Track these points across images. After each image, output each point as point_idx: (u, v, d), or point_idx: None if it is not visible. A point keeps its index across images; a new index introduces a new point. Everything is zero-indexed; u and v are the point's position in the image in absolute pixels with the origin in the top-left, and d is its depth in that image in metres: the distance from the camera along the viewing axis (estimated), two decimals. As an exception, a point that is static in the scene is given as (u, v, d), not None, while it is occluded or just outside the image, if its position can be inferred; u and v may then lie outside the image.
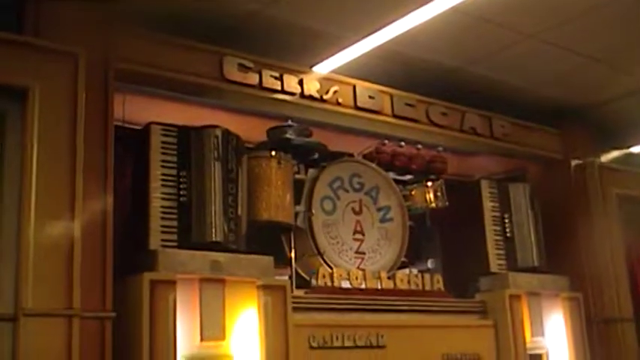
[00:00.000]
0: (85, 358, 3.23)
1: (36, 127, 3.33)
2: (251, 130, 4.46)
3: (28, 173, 3.28)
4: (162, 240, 3.73)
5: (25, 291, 3.15)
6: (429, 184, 5.00)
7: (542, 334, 5.03)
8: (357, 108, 4.64)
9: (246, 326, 3.74)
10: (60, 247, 3.29)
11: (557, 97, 5.50)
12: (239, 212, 3.99)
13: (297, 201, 4.39)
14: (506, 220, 5.28)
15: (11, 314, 3.14)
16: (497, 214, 5.27)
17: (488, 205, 5.26)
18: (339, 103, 4.54)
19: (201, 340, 3.58)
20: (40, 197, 3.27)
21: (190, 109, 4.39)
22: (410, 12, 4.13)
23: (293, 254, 4.29)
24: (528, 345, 4.88)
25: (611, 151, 6.21)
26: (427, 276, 4.65)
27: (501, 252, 5.19)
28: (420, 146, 5.02)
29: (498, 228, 5.24)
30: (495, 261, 5.13)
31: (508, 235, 5.25)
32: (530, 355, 4.90)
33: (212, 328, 3.62)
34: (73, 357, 3.17)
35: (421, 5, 4.06)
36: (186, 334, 3.55)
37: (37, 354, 3.11)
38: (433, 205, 4.98)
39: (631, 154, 6.40)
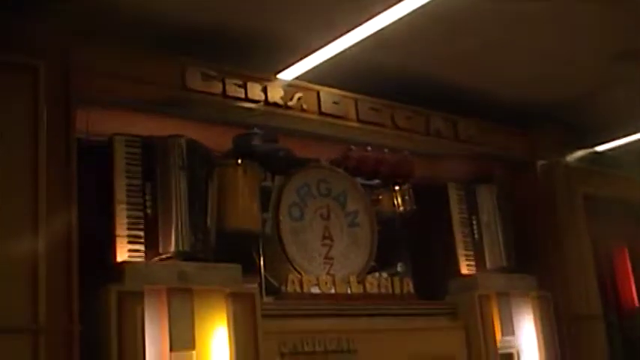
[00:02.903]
0: (53, 374, 3.22)
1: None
2: (218, 139, 4.44)
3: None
4: (129, 251, 3.72)
5: (-11, 307, 3.14)
6: (397, 188, 5.02)
7: (513, 333, 5.04)
8: (321, 114, 4.67)
9: (216, 335, 3.72)
10: (24, 262, 3.28)
11: (523, 99, 5.55)
12: (208, 222, 3.99)
13: (264, 208, 4.39)
14: (474, 222, 5.33)
15: (-24, 331, 3.12)
16: (465, 216, 5.32)
17: (456, 207, 5.30)
18: (303, 110, 4.56)
19: (171, 350, 3.55)
20: (3, 212, 3.26)
21: (155, 120, 4.36)
22: (375, 16, 4.11)
23: (262, 262, 4.28)
24: (499, 344, 4.90)
25: (577, 151, 6.26)
26: (397, 280, 4.66)
27: (470, 253, 5.23)
28: (386, 150, 5.03)
29: (466, 230, 5.29)
30: (464, 262, 5.17)
31: (476, 236, 5.29)
32: (502, 355, 4.92)
33: (181, 338, 3.59)
34: (40, 373, 3.17)
35: (386, 8, 4.05)
36: (155, 345, 3.52)
37: (3, 370, 3.10)
38: (401, 209, 5.00)
39: (597, 153, 6.46)
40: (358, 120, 4.85)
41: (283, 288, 4.25)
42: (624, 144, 6.33)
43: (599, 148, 6.46)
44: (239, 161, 4.27)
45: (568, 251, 5.61)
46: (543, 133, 5.90)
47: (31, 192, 3.37)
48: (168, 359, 3.55)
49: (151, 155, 3.91)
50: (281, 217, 4.45)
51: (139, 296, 3.49)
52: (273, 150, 4.50)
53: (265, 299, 4.09)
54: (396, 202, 5.00)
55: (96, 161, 3.93)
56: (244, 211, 4.21)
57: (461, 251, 5.19)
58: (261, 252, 4.30)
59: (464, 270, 5.16)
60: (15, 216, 3.32)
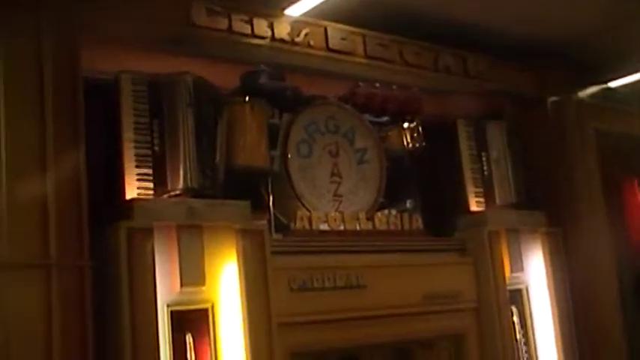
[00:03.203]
0: (65, 307, 3.26)
1: (2, 82, 3.31)
2: (224, 77, 4.41)
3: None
4: (138, 188, 3.73)
5: (1, 244, 3.16)
6: (405, 125, 5.00)
7: (522, 270, 5.07)
8: (329, 50, 4.62)
9: (225, 271, 3.76)
10: (34, 199, 3.31)
11: (534, 35, 5.45)
12: (216, 159, 3.99)
13: (272, 146, 4.38)
14: (484, 159, 5.31)
15: (-12, 266, 3.16)
16: (475, 152, 5.30)
17: (465, 144, 5.28)
18: (310, 46, 4.51)
19: (181, 286, 3.58)
20: (12, 152, 3.27)
21: (162, 58, 4.33)
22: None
23: (271, 199, 4.29)
24: (508, 281, 4.93)
25: (588, 87, 6.19)
26: (406, 216, 4.66)
27: (479, 190, 5.22)
28: (394, 87, 4.99)
29: (476, 167, 5.27)
30: (474, 199, 5.17)
31: (486, 173, 5.27)
32: (510, 291, 4.96)
33: (191, 274, 3.62)
34: (53, 307, 3.21)
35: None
36: (166, 282, 3.55)
37: (17, 304, 3.13)
38: (410, 145, 4.98)
39: (609, 90, 6.39)
40: (366, 56, 4.81)
41: (292, 225, 4.27)
42: (636, 80, 6.25)
43: (611, 85, 6.38)
44: (246, 98, 4.25)
45: (578, 187, 5.59)
46: (554, 69, 5.83)
47: (39, 131, 3.38)
48: (178, 295, 3.59)
49: (157, 93, 3.89)
50: (289, 155, 4.44)
51: (148, 233, 3.51)
52: (280, 87, 4.47)
53: (274, 236, 4.11)
54: (404, 139, 4.98)
55: (103, 100, 3.92)
56: (252, 148, 4.20)
57: (470, 188, 5.19)
58: (269, 189, 4.31)
59: (473, 206, 5.16)
60: (24, 155, 3.33)
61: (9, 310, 3.11)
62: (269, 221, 4.16)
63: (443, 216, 5.04)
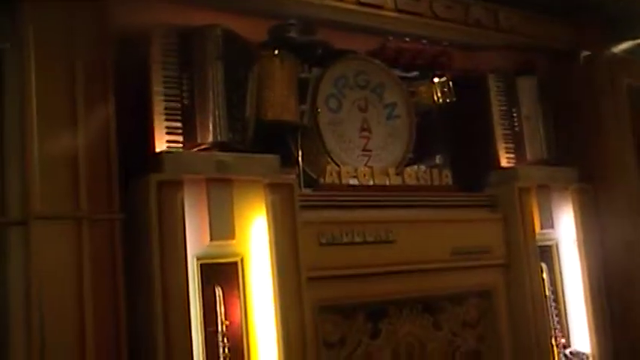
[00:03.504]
0: (96, 259, 3.29)
1: (32, 37, 3.31)
2: (254, 31, 4.37)
3: (28, 81, 3.29)
4: (168, 142, 3.73)
5: (33, 196, 3.21)
6: (435, 80, 4.94)
7: (552, 226, 5.04)
8: (359, 3, 4.57)
9: (254, 225, 3.76)
10: (65, 153, 3.34)
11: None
12: (246, 113, 3.97)
13: (302, 100, 4.35)
14: (515, 114, 5.23)
15: (22, 218, 3.19)
16: (505, 108, 5.21)
17: (496, 99, 5.19)
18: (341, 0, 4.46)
19: (211, 239, 3.59)
20: (42, 107, 3.29)
21: (192, 12, 4.30)
22: None
23: (300, 153, 4.27)
24: (538, 237, 4.91)
25: (621, 42, 6.06)
26: (435, 171, 4.65)
27: (510, 146, 5.16)
28: (424, 42, 4.92)
29: (506, 122, 5.20)
30: (504, 155, 5.12)
31: (516, 129, 5.21)
32: (540, 247, 4.93)
33: (221, 227, 3.62)
34: (84, 258, 3.25)
35: None
36: (195, 235, 3.56)
37: (48, 256, 3.18)
38: (440, 101, 4.93)
39: (642, 45, 6.26)
40: (396, 10, 4.74)
41: (321, 180, 4.26)
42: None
43: (645, 40, 6.25)
44: (276, 52, 4.21)
45: (610, 143, 5.51)
46: (587, 23, 5.71)
47: (69, 86, 3.39)
48: (208, 248, 3.60)
49: (187, 46, 3.86)
50: (319, 109, 4.41)
51: (178, 185, 3.51)
52: (310, 41, 4.42)
53: (303, 191, 4.10)
54: (434, 94, 4.92)
55: (133, 54, 3.90)
56: (282, 102, 4.17)
57: (501, 144, 5.12)
58: (298, 144, 4.29)
59: (504, 162, 5.09)
60: (54, 110, 3.34)
61: (42, 262, 3.15)
62: (298, 176, 4.15)
63: (473, 172, 4.99)
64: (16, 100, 3.31)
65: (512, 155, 5.15)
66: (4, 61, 3.34)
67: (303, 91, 4.39)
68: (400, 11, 4.76)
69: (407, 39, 4.86)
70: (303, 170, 4.27)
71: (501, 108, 5.20)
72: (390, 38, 4.81)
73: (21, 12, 3.33)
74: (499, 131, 5.14)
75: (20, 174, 3.24)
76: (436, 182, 4.62)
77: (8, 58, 3.35)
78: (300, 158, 4.26)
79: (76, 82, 3.40)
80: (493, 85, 5.20)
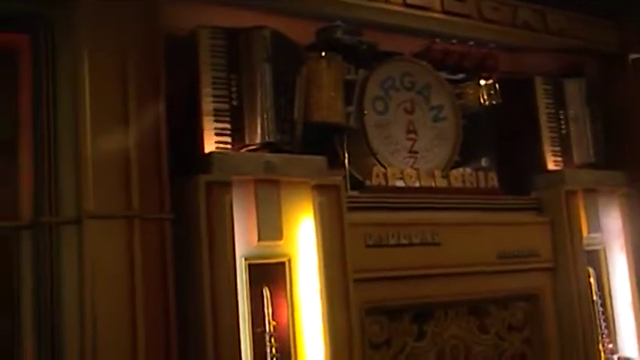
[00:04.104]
0: (147, 258, 3.32)
1: (85, 40, 3.37)
2: (301, 33, 4.39)
3: (82, 83, 3.34)
4: (217, 142, 3.76)
5: (86, 195, 3.26)
6: (482, 82, 4.91)
7: (599, 231, 4.98)
8: (406, 5, 4.58)
9: (302, 226, 3.77)
10: (117, 153, 3.37)
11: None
12: (295, 114, 4.00)
13: (348, 102, 4.36)
14: (562, 117, 5.19)
15: (75, 217, 3.25)
16: (552, 110, 5.18)
17: (543, 102, 5.15)
18: (387, 1, 4.48)
19: (259, 240, 3.61)
20: (95, 108, 3.33)
21: (239, 14, 4.33)
22: None
23: (346, 155, 4.28)
24: (585, 241, 4.85)
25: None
26: (482, 174, 4.63)
27: (557, 149, 5.12)
28: (471, 43, 4.90)
29: (554, 125, 5.16)
30: (551, 158, 5.07)
31: (563, 132, 5.16)
32: (587, 252, 4.87)
33: (269, 228, 3.64)
34: (135, 257, 3.28)
35: None
36: (243, 235, 3.58)
37: (101, 254, 3.22)
38: (486, 103, 4.90)
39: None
40: (443, 11, 4.75)
41: (367, 181, 4.27)
42: None
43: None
44: (323, 54, 4.22)
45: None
46: (636, 25, 5.63)
47: (121, 87, 3.42)
48: (256, 249, 3.62)
49: (235, 47, 3.89)
50: (365, 111, 4.42)
51: (227, 186, 3.53)
52: (356, 42, 4.43)
53: (350, 192, 4.11)
54: (481, 97, 4.89)
55: (182, 55, 3.94)
56: (329, 104, 4.18)
57: (547, 146, 5.08)
58: (345, 145, 4.30)
59: (550, 165, 5.06)
60: (107, 111, 3.38)
61: (95, 260, 3.19)
62: (344, 177, 4.16)
63: (519, 174, 4.96)
64: (69, 100, 3.36)
65: (559, 158, 5.11)
66: (57, 62, 3.40)
67: (350, 92, 4.40)
68: (447, 13, 4.76)
69: (453, 41, 4.84)
70: (349, 172, 4.27)
71: (548, 110, 5.16)
72: (437, 40, 4.79)
73: (74, 13, 3.38)
74: (546, 134, 5.10)
75: (73, 174, 3.29)
76: (482, 185, 4.60)
77: (62, 59, 3.40)
78: (346, 160, 4.27)
79: (128, 82, 3.43)
80: (540, 87, 5.16)
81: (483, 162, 4.84)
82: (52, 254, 3.24)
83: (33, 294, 3.23)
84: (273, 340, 3.58)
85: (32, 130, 3.35)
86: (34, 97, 3.38)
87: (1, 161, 3.36)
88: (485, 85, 4.91)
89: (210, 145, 3.76)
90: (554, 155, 5.10)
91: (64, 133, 3.35)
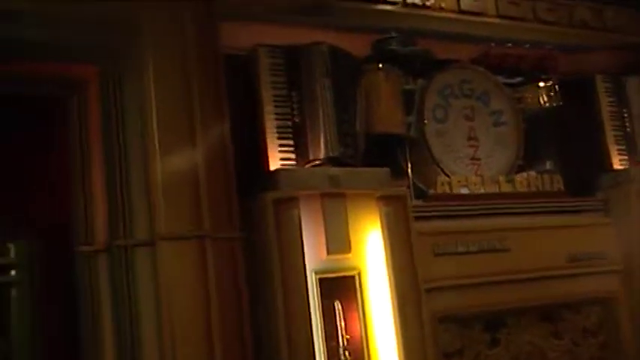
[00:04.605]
0: (219, 276, 3.37)
1: (151, 66, 3.45)
2: (356, 46, 4.41)
3: (149, 107, 3.42)
4: (281, 159, 3.80)
5: (158, 217, 3.32)
6: (541, 84, 4.86)
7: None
8: (460, 12, 4.59)
9: (369, 238, 3.77)
10: (186, 174, 3.43)
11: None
12: (356, 127, 4.01)
13: (407, 112, 4.36)
14: (625, 115, 5.10)
15: (148, 239, 3.31)
16: (615, 109, 5.10)
17: (605, 100, 5.08)
18: (442, 9, 4.49)
19: (328, 253, 3.62)
20: (162, 131, 3.40)
21: (296, 31, 4.37)
22: None
23: (409, 165, 4.28)
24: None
25: None
26: (546, 177, 4.58)
27: (622, 147, 5.03)
28: (528, 46, 4.86)
29: (617, 123, 5.08)
30: (616, 157, 4.99)
31: (628, 129, 5.08)
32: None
33: (337, 241, 3.65)
34: (209, 276, 3.33)
35: None
36: (312, 249, 3.60)
37: (175, 275, 3.28)
38: (547, 105, 4.85)
39: None
40: (498, 16, 4.74)
41: (432, 190, 4.25)
42: None
43: None
44: (380, 66, 4.23)
45: None
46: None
47: (186, 109, 3.50)
48: (325, 263, 3.63)
49: (294, 64, 3.94)
50: (425, 120, 4.41)
51: (294, 202, 3.56)
52: (412, 52, 4.43)
53: (414, 202, 4.10)
54: (541, 99, 4.85)
55: (242, 75, 3.98)
56: (389, 115, 4.20)
57: (612, 145, 5.00)
58: (407, 155, 4.29)
59: (616, 165, 4.97)
60: (174, 133, 3.45)
61: (169, 280, 3.25)
62: (408, 187, 4.15)
63: (583, 175, 4.88)
64: (137, 125, 3.43)
65: (624, 157, 5.01)
66: (124, 89, 3.48)
67: (409, 102, 4.39)
68: (502, 17, 4.74)
69: (510, 44, 4.81)
70: (412, 182, 4.26)
71: (611, 109, 5.09)
72: (493, 45, 4.77)
73: (140, 36, 3.46)
74: (610, 133, 5.03)
75: (145, 197, 3.36)
76: (547, 188, 4.55)
77: (128, 86, 3.48)
78: (409, 170, 4.26)
79: (193, 104, 3.51)
80: (601, 86, 5.09)
81: (548, 165, 4.77)
82: (127, 276, 3.31)
83: (112, 314, 3.31)
84: (347, 353, 3.58)
85: (103, 156, 3.42)
86: (103, 124, 3.46)
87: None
88: (545, 86, 4.87)
89: (274, 162, 3.80)
90: (620, 154, 5.01)
91: (133, 157, 3.44)
